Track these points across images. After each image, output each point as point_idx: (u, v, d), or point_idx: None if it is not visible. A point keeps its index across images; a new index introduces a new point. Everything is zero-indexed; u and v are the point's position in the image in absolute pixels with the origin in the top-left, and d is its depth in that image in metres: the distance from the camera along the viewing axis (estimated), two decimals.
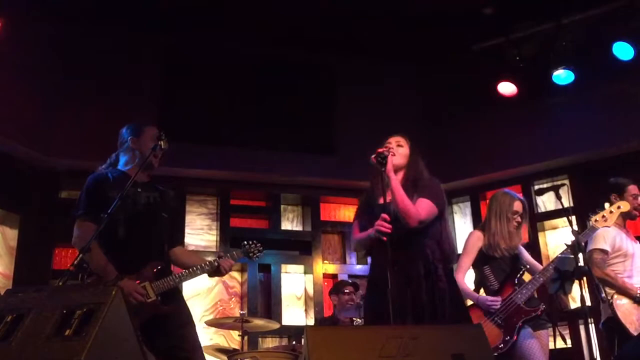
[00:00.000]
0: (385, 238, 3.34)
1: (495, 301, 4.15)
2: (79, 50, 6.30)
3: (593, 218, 4.22)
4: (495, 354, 4.01)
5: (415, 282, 3.43)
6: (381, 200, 3.54)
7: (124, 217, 3.40)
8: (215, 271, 3.67)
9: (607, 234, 4.45)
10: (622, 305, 4.30)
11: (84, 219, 3.42)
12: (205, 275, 3.70)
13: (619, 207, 4.26)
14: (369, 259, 3.97)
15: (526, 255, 4.46)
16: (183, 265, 3.65)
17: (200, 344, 3.58)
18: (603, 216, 4.19)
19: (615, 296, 4.33)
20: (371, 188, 3.75)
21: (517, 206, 4.38)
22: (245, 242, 4.01)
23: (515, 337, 4.06)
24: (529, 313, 4.13)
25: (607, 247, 4.46)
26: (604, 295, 4.03)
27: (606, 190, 4.69)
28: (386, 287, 3.18)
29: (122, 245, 3.41)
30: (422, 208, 3.52)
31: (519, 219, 4.37)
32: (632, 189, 4.61)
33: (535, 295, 4.29)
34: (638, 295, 4.33)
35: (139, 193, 3.53)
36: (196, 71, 6.67)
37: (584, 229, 4.44)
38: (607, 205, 4.32)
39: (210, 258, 3.77)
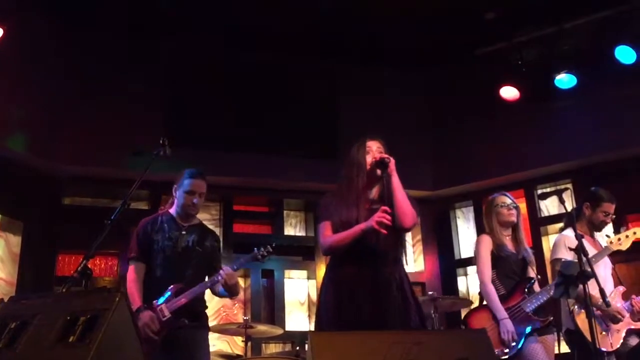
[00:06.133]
0: (385, 231, 3.18)
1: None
2: (82, 56, 6.29)
3: (608, 240, 4.36)
4: (502, 358, 4.03)
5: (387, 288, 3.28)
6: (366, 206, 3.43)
7: (162, 259, 3.84)
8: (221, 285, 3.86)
9: (569, 241, 4.24)
10: (582, 314, 4.15)
11: (136, 262, 3.88)
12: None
13: (634, 233, 4.39)
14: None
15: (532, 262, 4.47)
16: None
17: None
18: (619, 239, 4.35)
19: (576, 307, 4.24)
20: (348, 188, 3.49)
21: (501, 199, 4.46)
22: (256, 248, 4.21)
23: (520, 343, 4.07)
24: (536, 322, 4.13)
25: (569, 257, 4.31)
26: (569, 307, 4.05)
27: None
28: (362, 290, 3.22)
29: (158, 283, 3.80)
30: (415, 211, 3.44)
31: (505, 209, 4.39)
32: (607, 206, 4.52)
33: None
34: (600, 304, 3.99)
35: (182, 236, 3.92)
36: (200, 78, 6.68)
37: None
38: (622, 229, 4.50)
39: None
